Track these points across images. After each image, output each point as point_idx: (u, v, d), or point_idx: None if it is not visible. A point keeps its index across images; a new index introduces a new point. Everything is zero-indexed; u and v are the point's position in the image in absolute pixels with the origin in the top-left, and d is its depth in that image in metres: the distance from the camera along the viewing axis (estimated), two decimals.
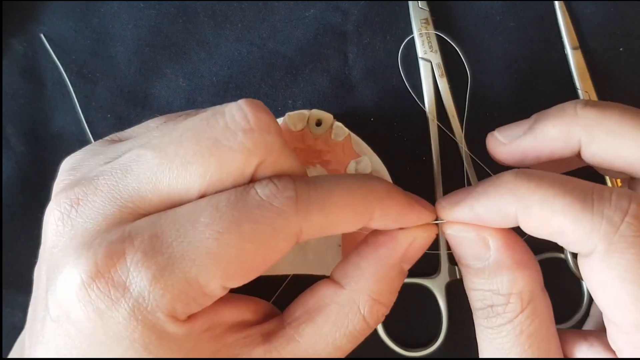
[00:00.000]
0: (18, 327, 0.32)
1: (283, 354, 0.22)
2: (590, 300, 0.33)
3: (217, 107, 0.22)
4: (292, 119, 0.31)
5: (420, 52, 0.33)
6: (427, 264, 0.32)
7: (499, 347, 0.24)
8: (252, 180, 0.22)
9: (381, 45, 0.34)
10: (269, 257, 0.21)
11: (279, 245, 0.21)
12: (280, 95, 0.34)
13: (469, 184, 0.32)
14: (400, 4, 0.34)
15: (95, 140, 0.34)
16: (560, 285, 0.33)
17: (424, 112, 0.33)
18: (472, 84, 0.33)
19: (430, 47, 0.33)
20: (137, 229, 0.20)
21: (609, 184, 0.32)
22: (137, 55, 0.34)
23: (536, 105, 0.33)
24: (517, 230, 0.24)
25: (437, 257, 0.32)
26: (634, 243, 0.21)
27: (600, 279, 0.22)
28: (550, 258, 0.32)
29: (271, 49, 0.34)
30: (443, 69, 0.33)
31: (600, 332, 0.25)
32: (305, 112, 0.31)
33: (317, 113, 0.31)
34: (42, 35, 0.34)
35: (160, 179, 0.21)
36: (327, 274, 0.31)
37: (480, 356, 0.25)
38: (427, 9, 0.33)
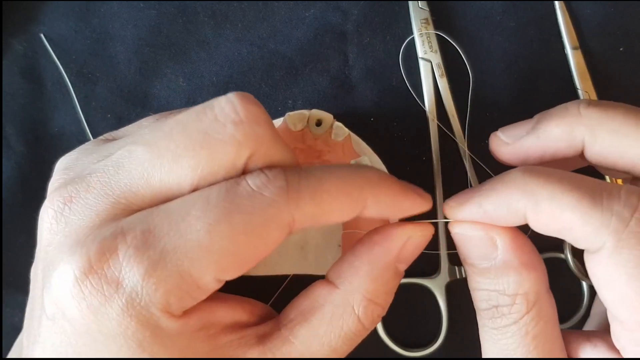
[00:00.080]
0: (18, 327, 0.32)
1: (278, 355, 0.22)
2: (591, 300, 0.32)
3: (207, 101, 0.22)
4: (292, 119, 0.31)
5: (420, 52, 0.33)
6: (427, 264, 0.32)
7: (503, 348, 0.24)
8: (244, 173, 0.21)
9: (381, 45, 0.34)
10: (261, 247, 0.21)
11: (271, 235, 0.21)
12: (280, 95, 0.34)
13: (470, 183, 0.32)
14: (400, 4, 0.34)
15: None
16: (560, 285, 0.33)
17: (424, 112, 0.33)
18: (473, 84, 0.33)
19: (430, 47, 0.33)
20: (129, 224, 0.20)
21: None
22: (137, 55, 0.34)
23: (536, 105, 0.33)
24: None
25: (437, 257, 0.32)
26: None
27: (607, 275, 0.22)
28: (550, 258, 0.32)
29: (271, 49, 0.34)
30: (443, 69, 0.33)
31: (603, 333, 0.25)
32: (305, 112, 0.31)
33: (317, 113, 0.31)
34: (42, 35, 0.35)
35: (152, 174, 0.21)
36: None
37: (484, 357, 0.25)
38: (427, 9, 0.33)
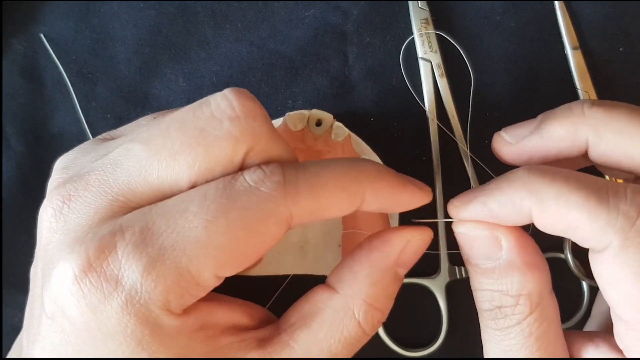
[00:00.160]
0: (18, 327, 0.32)
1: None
2: (591, 300, 0.32)
3: (204, 98, 0.22)
4: (292, 119, 0.31)
5: (420, 52, 0.33)
6: (427, 264, 0.32)
7: (506, 349, 0.24)
8: (242, 168, 0.21)
9: (381, 45, 0.34)
10: (260, 243, 0.21)
11: (269, 230, 0.21)
12: (280, 95, 0.34)
13: (471, 184, 0.32)
14: (400, 4, 0.34)
15: None
16: (560, 285, 0.32)
17: (424, 112, 0.33)
18: (474, 83, 0.33)
19: (430, 47, 0.33)
20: (128, 222, 0.20)
21: None
22: (137, 55, 0.34)
23: (536, 105, 0.33)
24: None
25: (437, 257, 0.32)
26: None
27: (613, 274, 0.22)
28: (551, 258, 0.32)
29: (271, 49, 0.34)
30: (443, 69, 0.33)
31: (605, 333, 0.25)
32: (305, 112, 0.31)
33: (317, 113, 0.31)
34: (42, 35, 0.35)
35: (150, 171, 0.21)
36: (327, 273, 0.31)
37: (485, 357, 0.25)
38: (427, 9, 0.33)
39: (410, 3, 0.33)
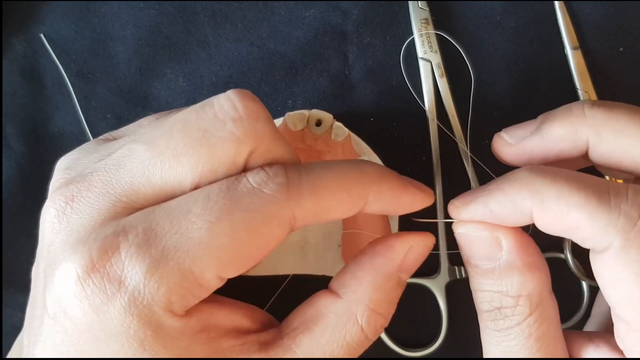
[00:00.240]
0: (18, 327, 0.32)
1: None
2: (591, 300, 0.32)
3: (207, 99, 0.22)
4: (292, 119, 0.31)
5: (420, 52, 0.33)
6: (427, 264, 0.32)
7: (506, 350, 0.24)
8: (245, 170, 0.21)
9: (381, 45, 0.34)
10: (263, 245, 0.21)
11: (272, 232, 0.21)
12: (280, 95, 0.34)
13: (471, 184, 0.32)
14: (400, 4, 0.34)
15: None
16: (560, 285, 0.32)
17: (424, 112, 0.33)
18: (474, 83, 0.33)
19: (430, 47, 0.33)
20: (131, 222, 0.20)
21: None
22: (137, 55, 0.34)
23: (536, 105, 0.33)
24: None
25: (437, 257, 0.32)
26: None
27: (614, 275, 0.22)
28: (551, 258, 0.32)
29: (271, 49, 0.34)
30: (443, 69, 0.33)
31: (605, 334, 0.25)
32: (305, 112, 0.31)
33: (317, 113, 0.31)
34: (42, 35, 0.35)
35: (153, 172, 0.21)
36: (327, 274, 0.31)
37: (485, 358, 0.25)
38: (427, 9, 0.33)
39: (410, 3, 0.33)
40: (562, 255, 0.32)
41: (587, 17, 0.34)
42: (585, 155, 0.25)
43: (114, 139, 0.24)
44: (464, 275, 0.32)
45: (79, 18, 0.34)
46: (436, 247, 0.32)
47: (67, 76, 0.34)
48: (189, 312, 0.21)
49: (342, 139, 0.31)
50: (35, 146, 0.34)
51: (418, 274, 0.32)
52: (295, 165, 0.22)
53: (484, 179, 0.32)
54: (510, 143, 0.26)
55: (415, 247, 0.24)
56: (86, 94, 0.34)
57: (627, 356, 0.23)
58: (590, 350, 0.24)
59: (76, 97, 0.34)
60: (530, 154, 0.25)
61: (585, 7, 0.34)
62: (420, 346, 0.33)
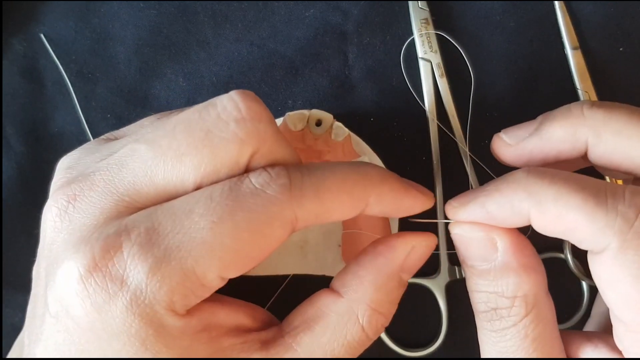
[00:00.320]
0: (18, 327, 0.32)
1: None
2: (591, 300, 0.32)
3: (210, 100, 0.22)
4: (292, 119, 0.31)
5: (420, 52, 0.33)
6: (427, 264, 0.32)
7: (502, 350, 0.24)
8: (247, 171, 0.22)
9: (381, 45, 0.34)
10: (265, 245, 0.21)
11: (274, 233, 0.21)
12: (280, 95, 0.34)
13: (471, 184, 0.32)
14: (400, 4, 0.34)
15: None
16: (560, 285, 0.33)
17: (424, 112, 0.33)
18: (474, 83, 0.33)
19: (430, 47, 0.33)
20: (133, 222, 0.20)
21: None
22: (137, 55, 0.34)
23: (536, 105, 0.33)
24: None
25: (437, 257, 0.32)
26: None
27: (611, 276, 0.22)
28: (550, 258, 0.32)
29: (271, 49, 0.34)
30: (443, 69, 0.33)
31: (604, 334, 0.25)
32: (305, 112, 0.31)
33: (317, 113, 0.31)
34: (42, 35, 0.35)
35: (155, 172, 0.21)
36: (327, 274, 0.31)
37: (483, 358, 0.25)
38: (427, 9, 0.33)
39: (410, 3, 0.33)
40: (562, 255, 0.32)
41: (587, 17, 0.34)
42: (584, 156, 0.25)
43: (115, 138, 0.24)
44: (464, 275, 0.32)
45: (79, 18, 0.34)
46: (436, 247, 0.32)
47: (67, 76, 0.34)
48: (190, 312, 0.21)
49: (342, 139, 0.31)
50: (35, 146, 0.34)
51: (418, 273, 0.32)
52: (298, 167, 0.22)
53: (484, 179, 0.32)
54: (510, 144, 0.26)
55: (417, 247, 0.24)
56: (86, 94, 0.34)
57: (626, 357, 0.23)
58: (588, 351, 0.24)
59: (76, 97, 0.34)
60: (529, 154, 0.25)
61: (585, 7, 0.34)
62: (420, 346, 0.33)
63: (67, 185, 0.22)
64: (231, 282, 0.21)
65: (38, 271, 0.22)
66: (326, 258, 0.31)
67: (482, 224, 0.24)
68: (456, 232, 0.25)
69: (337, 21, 0.34)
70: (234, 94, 0.22)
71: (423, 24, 0.33)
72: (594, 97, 0.33)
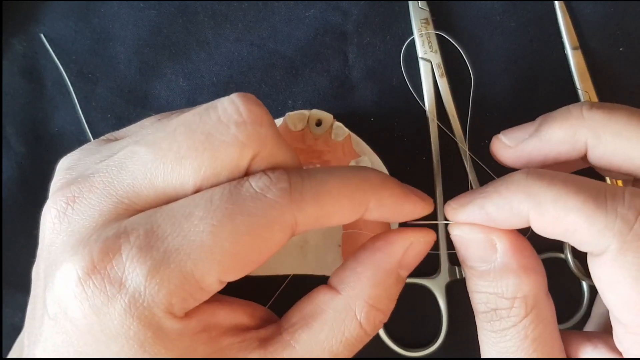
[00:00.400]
0: (18, 327, 0.32)
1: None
2: (591, 300, 0.32)
3: (210, 102, 0.22)
4: (292, 119, 0.31)
5: (420, 52, 0.33)
6: (427, 264, 0.32)
7: (502, 350, 0.24)
8: (247, 174, 0.22)
9: (381, 45, 0.34)
10: (264, 249, 0.21)
11: (274, 237, 0.21)
12: (280, 95, 0.34)
13: (470, 184, 0.32)
14: (400, 4, 0.34)
15: None
16: (560, 285, 0.33)
17: (424, 112, 0.33)
18: (474, 84, 0.33)
19: (430, 47, 0.33)
20: (132, 224, 0.20)
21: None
22: (137, 55, 0.34)
23: (536, 105, 0.33)
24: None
25: (437, 257, 0.32)
26: None
27: (611, 278, 0.22)
28: (550, 258, 0.32)
29: (271, 49, 0.34)
30: (443, 69, 0.33)
31: (604, 334, 0.25)
32: (305, 112, 0.31)
33: (317, 113, 0.31)
34: (42, 35, 0.34)
35: (155, 175, 0.21)
36: (327, 274, 0.31)
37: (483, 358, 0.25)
38: (427, 9, 0.33)
39: (410, 3, 0.33)
40: (562, 255, 0.32)
41: (587, 17, 0.34)
42: (584, 157, 0.25)
43: (116, 139, 0.24)
44: (464, 275, 0.32)
45: (79, 18, 0.34)
46: (436, 247, 0.32)
47: (67, 76, 0.34)
48: (189, 314, 0.21)
49: (342, 139, 0.31)
50: (35, 146, 0.34)
51: (418, 274, 0.32)
52: (298, 171, 0.22)
53: (484, 179, 0.32)
54: (509, 145, 0.26)
55: (415, 243, 0.24)
56: (86, 94, 0.34)
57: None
58: (588, 351, 0.24)
59: (76, 97, 0.34)
60: (528, 156, 0.25)
61: (585, 7, 0.34)
62: (420, 346, 0.33)
63: (66, 187, 0.22)
64: (231, 282, 0.21)
65: (37, 272, 0.22)
66: (326, 258, 0.31)
67: (481, 225, 0.24)
68: (455, 233, 0.25)
69: (337, 21, 0.34)
70: (234, 97, 0.22)
71: (423, 24, 0.33)
72: (594, 97, 0.33)
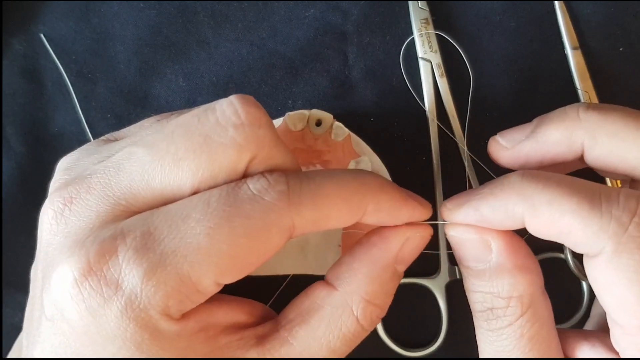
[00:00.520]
0: (18, 327, 0.32)
1: (276, 356, 0.22)
2: (591, 300, 0.32)
3: (209, 104, 0.22)
4: (292, 119, 0.31)
5: (420, 52, 0.33)
6: (427, 264, 0.32)
7: (499, 349, 0.24)
8: (245, 176, 0.22)
9: (381, 45, 0.34)
10: (262, 252, 0.21)
11: (271, 239, 0.21)
12: (280, 95, 0.34)
13: (470, 184, 0.32)
14: (400, 4, 0.34)
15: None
16: (560, 285, 0.33)
17: (424, 112, 0.33)
18: (473, 83, 0.33)
19: (430, 47, 0.33)
20: (129, 226, 0.20)
21: (609, 185, 0.32)
22: (137, 55, 0.34)
23: (536, 105, 0.33)
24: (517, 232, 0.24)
25: (437, 257, 0.32)
26: None
27: (606, 279, 0.22)
28: (550, 258, 0.32)
29: (271, 49, 0.34)
30: (443, 69, 0.33)
31: (602, 333, 0.25)
32: (305, 112, 0.31)
33: (317, 113, 0.31)
34: (42, 35, 0.35)
35: (153, 176, 0.21)
36: None
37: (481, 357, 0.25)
38: (427, 9, 0.33)
39: (410, 3, 0.33)
40: (562, 255, 0.32)
41: (587, 17, 0.34)
42: (581, 158, 0.25)
43: (116, 139, 0.24)
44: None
45: (79, 18, 0.34)
46: (436, 247, 0.32)
47: (67, 76, 0.34)
48: (186, 315, 0.21)
49: (342, 139, 0.31)
50: (35, 146, 0.34)
51: (418, 274, 0.32)
52: (296, 173, 0.22)
53: (484, 179, 0.32)
54: (506, 147, 0.26)
55: (412, 238, 0.24)
56: (86, 94, 0.34)
57: None
58: (585, 350, 0.24)
59: (76, 97, 0.34)
60: (525, 157, 0.25)
61: (585, 7, 0.34)
62: (420, 346, 0.33)
63: (64, 188, 0.22)
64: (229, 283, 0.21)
65: (35, 273, 0.22)
66: (326, 258, 0.31)
67: (475, 226, 0.24)
68: (451, 233, 0.25)
69: (337, 21, 0.34)
70: (233, 99, 0.21)
71: (423, 24, 0.33)
72: (594, 98, 0.33)
